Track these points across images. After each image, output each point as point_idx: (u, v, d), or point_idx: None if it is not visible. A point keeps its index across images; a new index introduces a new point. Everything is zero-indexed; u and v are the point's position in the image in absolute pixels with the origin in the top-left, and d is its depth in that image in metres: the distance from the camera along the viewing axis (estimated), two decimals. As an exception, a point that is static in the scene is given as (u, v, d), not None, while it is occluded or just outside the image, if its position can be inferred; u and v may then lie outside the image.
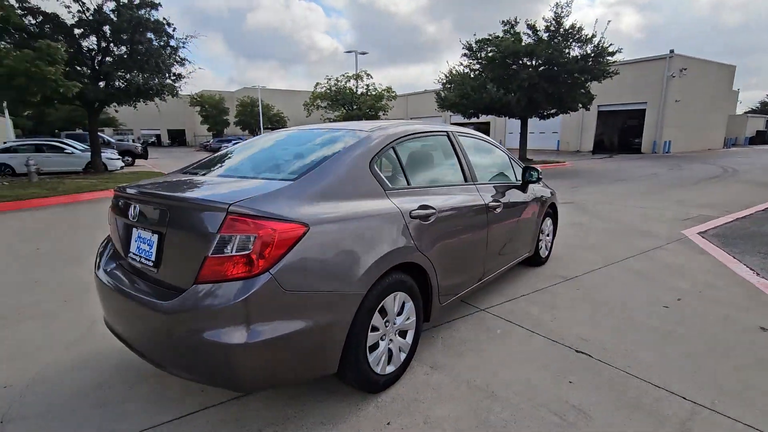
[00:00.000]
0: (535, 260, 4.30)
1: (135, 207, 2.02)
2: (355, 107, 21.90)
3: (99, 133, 21.26)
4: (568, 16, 17.05)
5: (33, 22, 12.62)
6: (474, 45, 18.27)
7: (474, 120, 22.39)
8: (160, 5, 14.08)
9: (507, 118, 20.66)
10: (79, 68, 12.87)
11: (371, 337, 2.07)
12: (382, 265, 2.03)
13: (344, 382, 2.10)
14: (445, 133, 2.99)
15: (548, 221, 4.45)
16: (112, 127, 45.71)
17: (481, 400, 2.15)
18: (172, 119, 57.05)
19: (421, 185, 2.57)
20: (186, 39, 14.91)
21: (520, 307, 3.36)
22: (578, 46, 17.46)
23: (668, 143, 28.50)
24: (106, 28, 12.81)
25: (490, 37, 17.92)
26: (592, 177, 14.07)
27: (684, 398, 2.16)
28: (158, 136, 60.14)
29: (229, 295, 1.61)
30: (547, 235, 4.51)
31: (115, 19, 12.43)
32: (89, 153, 15.03)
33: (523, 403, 2.12)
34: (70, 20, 12.83)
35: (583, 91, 18.06)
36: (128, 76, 12.64)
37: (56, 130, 33.25)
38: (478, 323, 3.07)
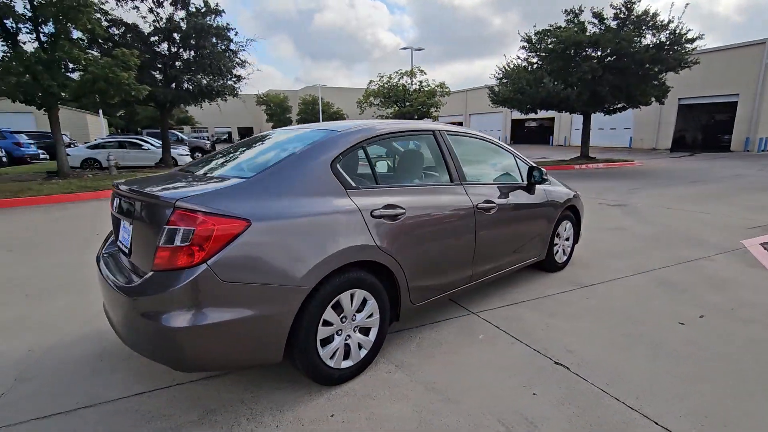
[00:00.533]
0: (549, 265, 4.08)
1: (119, 200, 2.27)
2: (407, 104, 21.92)
3: (174, 131, 23.28)
4: (639, 1, 15.64)
5: (117, 32, 14.19)
6: (533, 37, 17.41)
7: (532, 115, 21.38)
8: (224, 12, 15.13)
9: (569, 113, 19.46)
10: (153, 72, 14.22)
11: (323, 331, 2.13)
12: (334, 262, 2.08)
13: (300, 373, 2.19)
14: (430, 132, 2.95)
15: (566, 225, 4.19)
16: (190, 125, 49.95)
17: (432, 403, 2.13)
18: (241, 118, 60.97)
19: (392, 184, 2.58)
20: (246, 42, 15.90)
21: (516, 313, 3.22)
22: (651, 34, 15.97)
23: (765, 140, 25.09)
24: (176, 35, 14.04)
25: (551, 28, 16.96)
26: (660, 178, 12.84)
27: (656, 423, 1.97)
28: (229, 134, 64.58)
29: (172, 282, 1.76)
30: (566, 240, 4.25)
31: (183, 26, 13.57)
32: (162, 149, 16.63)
33: (474, 411, 2.07)
34: (147, 29, 14.25)
35: (655, 83, 16.50)
36: (194, 78, 13.73)
37: (139, 129, 36.94)
38: (464, 326, 3.01)
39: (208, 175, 2.41)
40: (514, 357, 2.59)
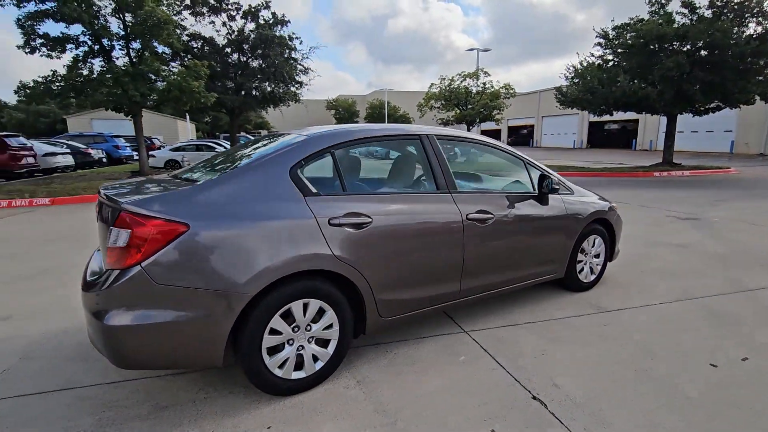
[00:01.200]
0: (572, 284, 3.67)
1: (98, 203, 2.44)
2: (469, 107, 21.32)
3: (247, 135, 24.99)
4: (742, -15, 13.63)
5: (196, 45, 15.60)
6: (611, 32, 15.99)
7: (613, 117, 19.64)
8: (289, 22, 15.95)
9: (650, 114, 17.55)
10: (225, 81, 15.40)
11: (270, 340, 2.10)
12: (280, 270, 2.03)
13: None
14: (416, 137, 2.78)
15: (594, 240, 3.73)
16: (265, 130, 53.42)
17: (376, 426, 1.99)
18: (313, 122, 63.91)
19: (360, 192, 2.47)
20: (309, 50, 16.62)
21: (514, 335, 2.93)
22: (756, 22, 13.85)
23: None
24: (245, 46, 15.08)
25: (631, 22, 15.45)
26: (757, 188, 11.09)
27: (625, 486, 1.64)
28: (303, 137, 68.07)
29: (113, 282, 1.84)
30: (595, 257, 3.79)
31: (252, 37, 14.54)
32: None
33: (416, 441, 1.89)
34: (221, 41, 15.49)
35: (760, 78, 14.27)
36: (259, 86, 14.63)
37: (217, 133, 40.27)
38: (449, 345, 2.80)
39: (183, 179, 2.50)
40: (489, 385, 2.34)
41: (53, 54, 11.35)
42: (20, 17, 10.76)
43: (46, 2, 10.56)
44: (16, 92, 11.52)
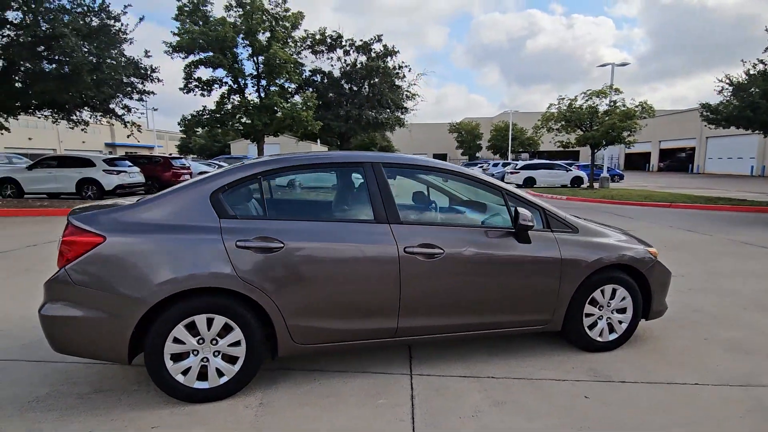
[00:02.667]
0: (579, 341, 3.06)
1: None
2: (594, 128, 19.07)
3: None
4: None
5: (317, 79, 17.59)
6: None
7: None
8: (398, 52, 16.85)
9: None
10: (338, 109, 16.97)
11: (173, 347, 2.29)
12: (180, 284, 2.23)
13: None
14: (359, 165, 2.72)
15: (616, 292, 3.05)
16: (391, 153, 56.43)
17: (234, 451, 2.01)
18: (437, 144, 65.01)
19: (279, 217, 2.54)
20: (417, 77, 17.23)
21: (459, 388, 2.59)
22: None
23: None
24: (356, 76, 16.42)
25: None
26: None
27: None
28: (426, 160, 69.61)
29: (49, 279, 2.27)
30: (616, 312, 3.09)
31: (360, 68, 15.80)
32: None
33: (253, 475, 1.85)
34: (336, 73, 17.18)
35: None
36: (362, 113, 15.73)
37: None
38: (381, 385, 2.61)
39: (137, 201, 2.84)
40: (381, 436, 2.13)
41: (204, 93, 14.13)
42: (186, 65, 13.69)
43: (200, 53, 13.25)
44: (178, 124, 14.69)
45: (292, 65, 14.01)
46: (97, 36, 9.54)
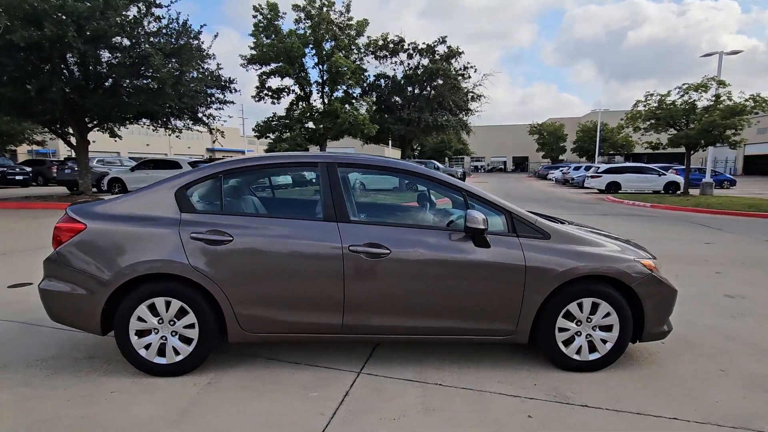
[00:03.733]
0: (554, 357, 2.82)
1: None
2: (690, 126, 16.70)
3: (432, 160, 26.86)
4: None
5: (382, 83, 17.99)
6: None
7: None
8: (462, 53, 16.57)
9: None
10: (399, 113, 17.18)
11: (137, 324, 2.60)
12: (140, 268, 2.54)
13: None
14: (314, 165, 2.82)
15: (598, 306, 2.75)
16: (467, 155, 55.24)
17: (156, 419, 2.23)
18: (518, 147, 62.13)
19: (233, 213, 2.73)
20: (482, 78, 16.78)
21: (396, 390, 2.56)
22: None
23: None
24: (418, 78, 16.47)
25: None
26: None
27: None
28: (504, 163, 66.90)
29: (46, 258, 2.72)
30: (597, 329, 2.79)
31: (420, 71, 15.83)
32: None
33: (163, 442, 2.05)
34: (399, 76, 17.40)
35: None
36: (419, 116, 15.72)
37: (409, 158, 43.70)
38: (324, 379, 2.68)
39: None
40: (296, 428, 2.20)
41: (275, 101, 15.30)
42: (259, 75, 14.93)
43: (271, 64, 14.36)
44: (253, 130, 16.10)
45: (352, 72, 14.54)
46: (179, 54, 10.92)
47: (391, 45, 16.32)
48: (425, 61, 16.81)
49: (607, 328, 2.81)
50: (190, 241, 2.59)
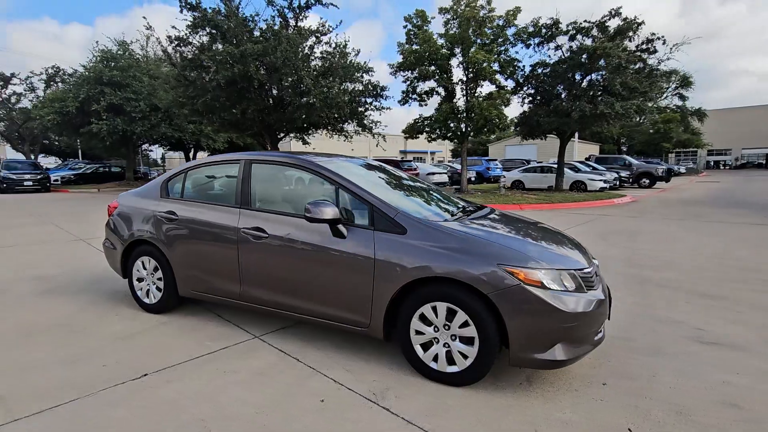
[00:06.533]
0: (415, 364, 2.66)
1: None
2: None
3: (624, 156, 23.26)
4: None
5: (539, 72, 16.52)
6: None
7: None
8: (642, 23, 13.73)
9: None
10: (556, 103, 15.45)
11: (136, 273, 3.81)
12: (135, 233, 3.73)
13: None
14: (237, 162, 3.41)
15: (455, 315, 2.47)
16: (700, 148, 43.38)
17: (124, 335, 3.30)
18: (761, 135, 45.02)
19: (185, 199, 3.60)
20: (673, 48, 13.59)
21: (260, 355, 2.95)
22: None
23: None
24: (583, 60, 14.44)
25: None
26: None
27: None
28: (767, 156, 49.44)
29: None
30: (456, 340, 2.50)
31: (578, 55, 13.84)
32: (578, 174, 17.68)
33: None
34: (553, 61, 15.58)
35: None
36: (580, 105, 13.68)
37: (590, 155, 36.98)
38: (227, 335, 3.29)
39: None
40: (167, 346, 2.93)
41: (421, 103, 16.13)
42: (406, 80, 16.02)
43: (416, 69, 15.24)
44: (402, 132, 17.32)
45: (501, 65, 13.93)
46: (330, 73, 13.04)
47: (544, 30, 14.77)
48: (588, 42, 14.52)
49: (469, 341, 2.46)
50: (158, 219, 3.62)
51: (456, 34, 14.56)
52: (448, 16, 14.95)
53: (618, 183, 20.02)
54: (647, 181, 22.16)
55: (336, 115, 13.83)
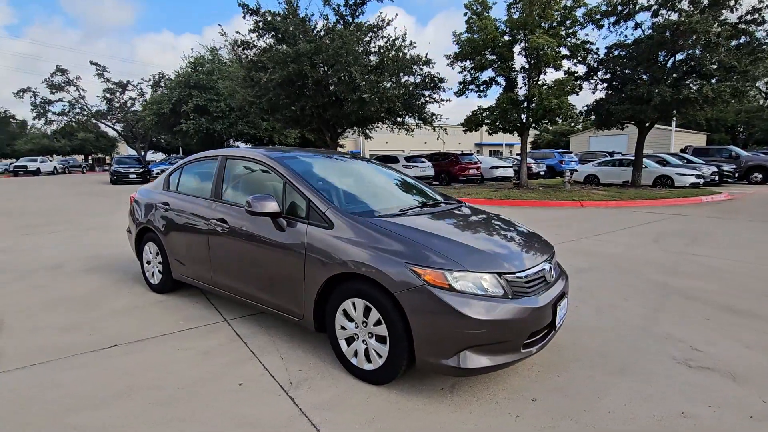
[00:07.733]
0: (339, 356, 2.68)
1: None
2: None
3: (729, 147, 20.39)
4: None
5: (618, 53, 14.90)
6: None
7: None
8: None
9: None
10: (629, 89, 13.83)
11: (146, 255, 4.30)
12: (143, 218, 4.20)
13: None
14: (216, 158, 3.66)
15: (369, 312, 2.45)
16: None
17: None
18: None
19: (177, 191, 3.94)
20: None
21: (220, 336, 3.18)
22: None
23: None
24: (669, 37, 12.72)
25: None
26: None
27: None
28: None
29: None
30: (373, 338, 2.47)
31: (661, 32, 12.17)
32: (665, 168, 15.73)
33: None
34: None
35: None
36: (660, 89, 12.06)
37: (686, 147, 32.02)
38: (202, 316, 3.58)
39: None
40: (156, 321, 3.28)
41: (481, 94, 15.49)
42: (462, 69, 15.47)
43: (471, 60, 14.61)
44: (461, 125, 16.74)
45: (571, 50, 12.79)
46: (381, 69, 13.13)
47: (620, 6, 13.14)
48: (675, 17, 12.62)
49: (383, 340, 2.41)
50: (158, 208, 4.04)
51: (520, 18, 13.69)
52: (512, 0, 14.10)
53: (717, 178, 17.32)
54: (759, 176, 18.82)
55: (389, 109, 13.86)
